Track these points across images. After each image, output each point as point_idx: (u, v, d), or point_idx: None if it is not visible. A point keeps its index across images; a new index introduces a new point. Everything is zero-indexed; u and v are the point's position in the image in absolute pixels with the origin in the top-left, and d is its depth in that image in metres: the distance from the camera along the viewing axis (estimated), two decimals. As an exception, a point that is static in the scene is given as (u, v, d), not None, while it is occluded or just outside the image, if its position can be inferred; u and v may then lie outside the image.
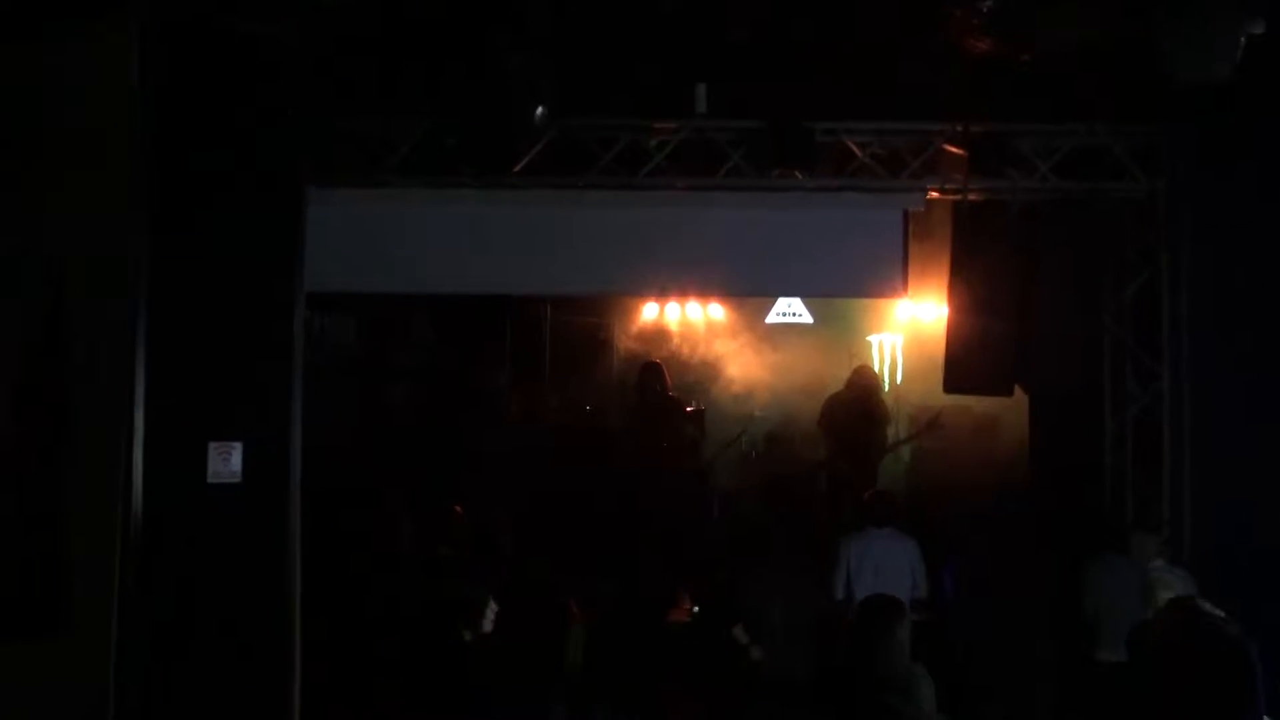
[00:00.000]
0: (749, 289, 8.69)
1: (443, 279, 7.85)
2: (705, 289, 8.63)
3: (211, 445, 5.93)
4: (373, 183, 7.74)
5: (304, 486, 6.13)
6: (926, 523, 8.20)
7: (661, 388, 10.14)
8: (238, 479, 5.97)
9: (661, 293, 9.24)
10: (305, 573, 6.09)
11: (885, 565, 7.44)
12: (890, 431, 10.69)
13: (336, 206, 7.56)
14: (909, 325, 11.89)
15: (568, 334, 11.83)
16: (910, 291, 8.26)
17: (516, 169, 7.69)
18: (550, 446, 10.24)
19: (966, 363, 8.12)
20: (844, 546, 7.60)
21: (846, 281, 8.21)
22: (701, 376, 11.67)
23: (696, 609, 8.33)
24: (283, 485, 6.02)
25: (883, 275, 7.98)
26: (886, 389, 11.56)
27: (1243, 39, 5.92)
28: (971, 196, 8.00)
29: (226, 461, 5.97)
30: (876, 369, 11.92)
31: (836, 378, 10.76)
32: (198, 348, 5.90)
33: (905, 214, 8.03)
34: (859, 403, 10.28)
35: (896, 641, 4.77)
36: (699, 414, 11.05)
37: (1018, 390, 8.31)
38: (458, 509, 8.09)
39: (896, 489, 9.79)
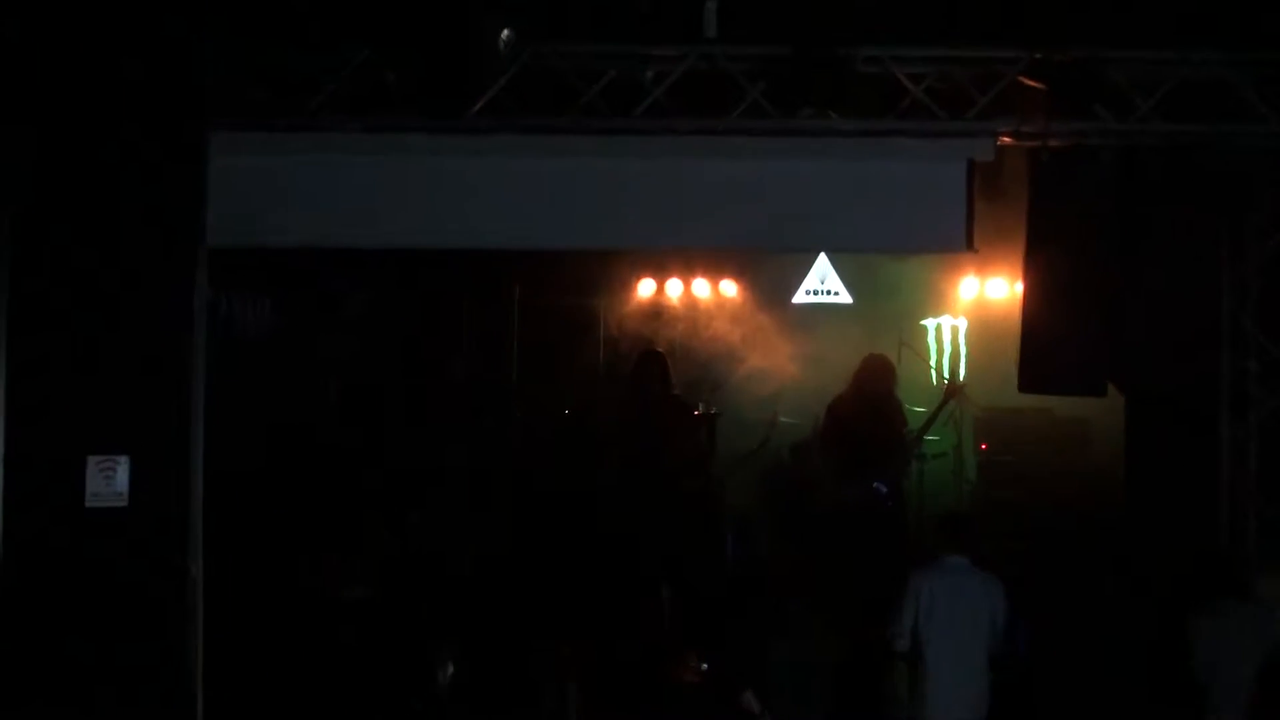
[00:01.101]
0: (768, 242, 8.67)
1: (380, 232, 7.83)
2: (711, 242, 8.60)
3: (91, 460, 5.97)
4: (293, 127, 7.73)
5: (209, 510, 6.17)
6: (993, 559, 8.19)
7: (662, 385, 10.15)
8: (123, 501, 6.00)
9: (656, 244, 9.21)
10: (211, 617, 6.13)
11: (961, 607, 7.44)
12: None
13: (247, 157, 7.54)
14: (975, 306, 11.89)
15: (542, 317, 11.83)
16: (978, 250, 8.25)
17: (475, 109, 7.67)
18: (520, 460, 10.28)
19: (1048, 355, 8.10)
20: (915, 580, 7.59)
21: (892, 234, 8.20)
22: (712, 371, 11.67)
23: (705, 666, 8.32)
24: (181, 509, 6.05)
25: (941, 227, 7.99)
26: (948, 378, 11.59)
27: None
28: (1053, 143, 7.96)
29: (109, 480, 6.01)
30: (933, 361, 11.96)
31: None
32: (72, 339, 5.92)
33: (970, 165, 8.00)
34: (868, 402, 10.20)
35: None
36: (709, 419, 11.05)
37: (1111, 390, 8.31)
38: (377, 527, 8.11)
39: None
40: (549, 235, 7.97)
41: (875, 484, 9.95)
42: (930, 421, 10.56)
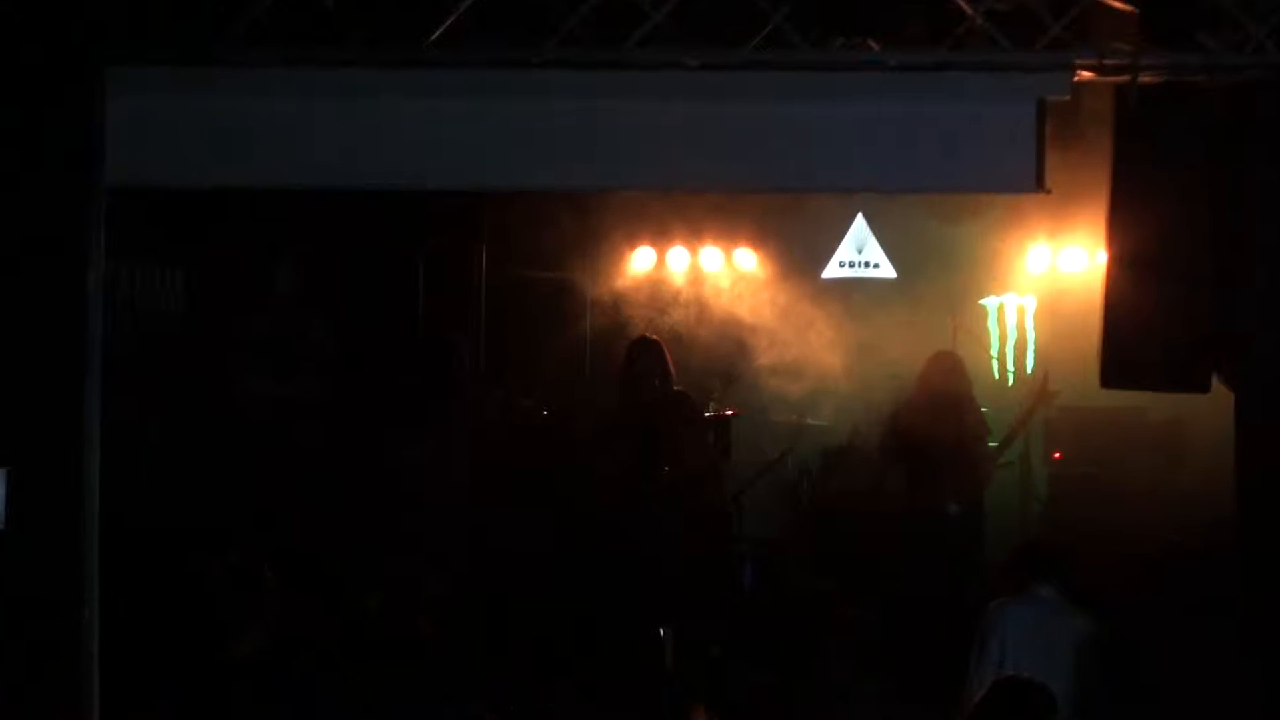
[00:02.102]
0: (796, 180, 8.70)
1: (312, 169, 7.87)
2: (725, 182, 8.63)
3: (-42, 474, 5.97)
4: (208, 59, 7.74)
5: (108, 532, 6.18)
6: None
7: (662, 380, 10.19)
8: (-1, 522, 6.01)
9: (664, 186, 9.22)
10: (108, 666, 6.14)
11: (1048, 649, 7.52)
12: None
13: (153, 96, 7.57)
14: (1045, 281, 11.97)
15: (514, 294, 11.86)
16: (1050, 192, 8.26)
17: (433, 37, 7.69)
18: (481, 474, 10.29)
19: (1137, 341, 8.09)
20: (994, 617, 7.69)
21: (941, 174, 8.23)
22: (724, 362, 11.75)
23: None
24: (72, 534, 6.05)
25: (1003, 165, 8.02)
26: (1012, 381, 11.63)
27: None
28: (1145, 78, 7.98)
29: (-19, 497, 6.01)
30: (995, 349, 12.01)
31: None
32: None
33: (1041, 105, 8.03)
34: (941, 408, 10.35)
35: None
36: (721, 421, 11.09)
37: (1216, 384, 8.34)
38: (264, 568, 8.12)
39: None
40: (522, 174, 8.03)
41: (947, 505, 10.02)
42: (1015, 433, 10.61)
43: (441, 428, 10.11)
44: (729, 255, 12.26)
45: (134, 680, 7.10)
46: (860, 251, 12.25)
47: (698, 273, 12.28)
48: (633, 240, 12.21)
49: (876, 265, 12.24)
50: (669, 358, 10.33)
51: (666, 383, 10.20)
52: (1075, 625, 7.72)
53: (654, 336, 10.70)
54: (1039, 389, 10.58)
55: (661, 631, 8.81)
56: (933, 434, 10.20)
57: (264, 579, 7.78)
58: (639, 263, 12.25)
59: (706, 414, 10.83)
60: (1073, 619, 7.74)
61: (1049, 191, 8.00)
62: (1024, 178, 7.94)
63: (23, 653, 5.99)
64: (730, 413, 11.24)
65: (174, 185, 7.82)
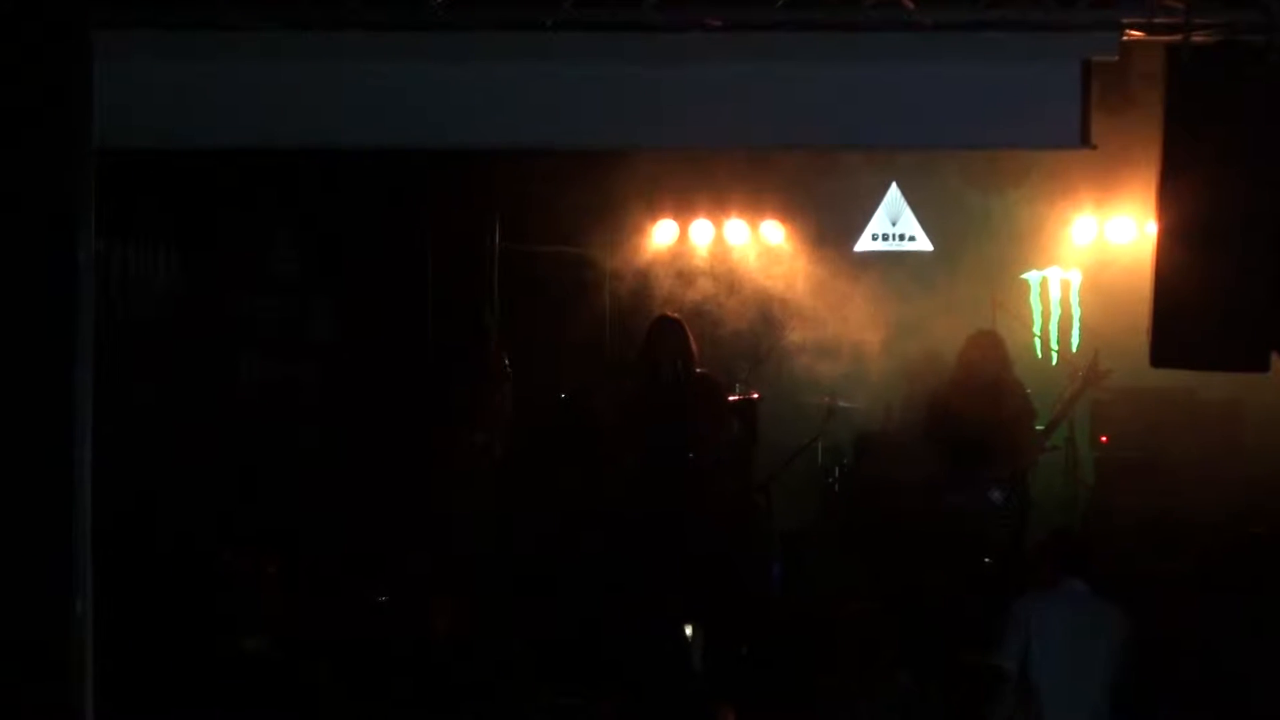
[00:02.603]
0: (829, 137, 8.65)
1: (311, 131, 7.86)
2: (752, 139, 8.61)
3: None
4: (196, 22, 7.70)
5: (102, 529, 6.16)
6: (1115, 589, 8.19)
7: (684, 361, 10.13)
8: (-14, 520, 6.00)
9: (684, 142, 9.18)
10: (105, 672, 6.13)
11: (1080, 644, 7.53)
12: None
13: (141, 60, 7.55)
14: (1092, 255, 11.88)
15: (529, 270, 11.81)
16: (1098, 163, 8.18)
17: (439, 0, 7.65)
18: (496, 465, 10.27)
19: (1190, 318, 8.02)
20: (1023, 611, 7.68)
21: (984, 129, 8.17)
22: (750, 341, 11.68)
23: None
24: (63, 528, 6.04)
25: (1048, 120, 7.96)
26: (1055, 360, 11.56)
27: None
28: (1198, 37, 7.92)
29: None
30: (1038, 327, 11.93)
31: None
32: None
33: (1085, 67, 7.97)
34: (982, 391, 10.28)
35: None
36: (748, 405, 11.01)
37: (1277, 363, 8.28)
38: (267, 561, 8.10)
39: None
40: (536, 134, 8.02)
41: (990, 492, 9.96)
42: (1062, 415, 10.54)
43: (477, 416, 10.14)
44: (755, 228, 12.18)
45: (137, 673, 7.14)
46: (895, 223, 12.18)
47: (722, 246, 12.20)
48: (654, 213, 12.14)
49: (912, 238, 12.16)
50: (691, 337, 10.28)
51: (688, 364, 10.15)
52: (1108, 619, 7.69)
53: (675, 315, 10.65)
54: (1088, 369, 10.48)
55: (688, 629, 8.79)
56: (973, 417, 10.15)
57: (266, 575, 7.79)
58: (661, 236, 12.17)
59: (732, 397, 10.77)
60: (1105, 612, 7.71)
61: (1094, 147, 7.94)
62: (1068, 133, 7.88)
63: (14, 647, 5.98)
64: (755, 396, 11.18)
65: (167, 147, 7.78)
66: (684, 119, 7.95)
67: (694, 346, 10.26)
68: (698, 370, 10.26)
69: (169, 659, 7.34)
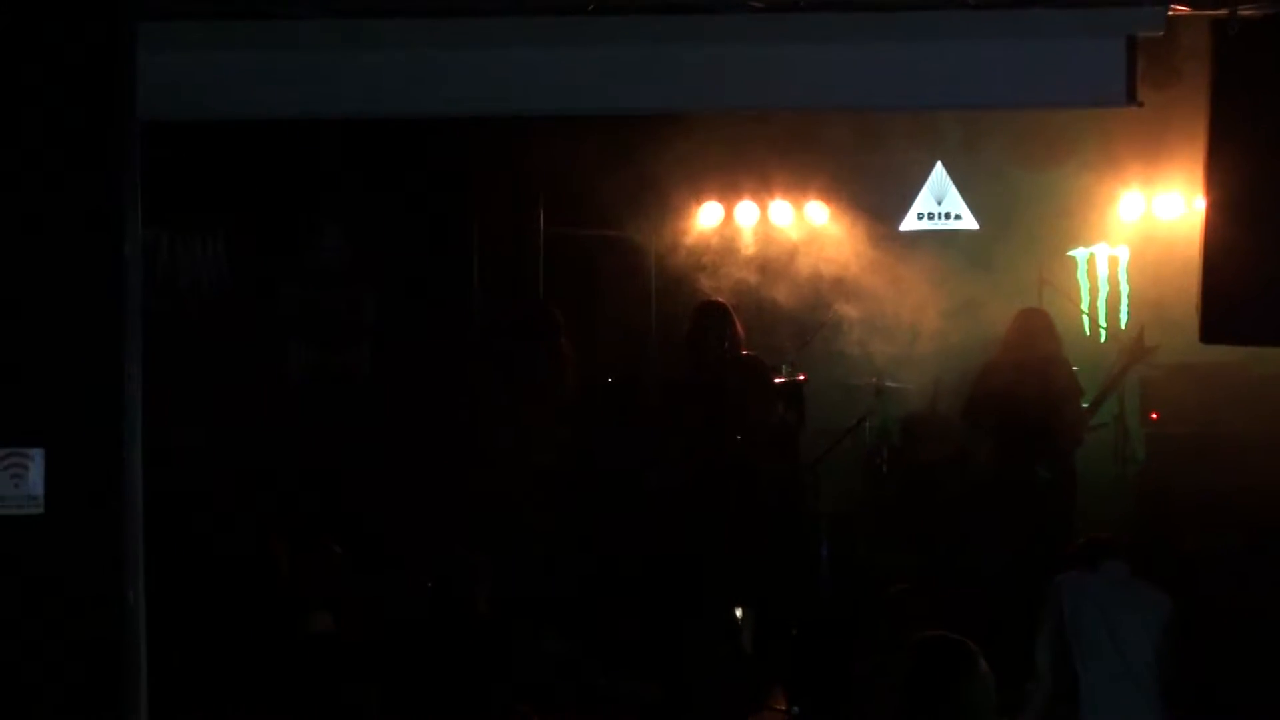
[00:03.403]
0: (867, 101, 8.64)
1: (358, 101, 7.88)
2: (798, 103, 8.60)
3: (-9, 454, 5.99)
4: (240, 11, 7.70)
5: (150, 519, 6.18)
6: (1163, 566, 8.20)
7: (730, 344, 10.11)
8: (38, 506, 6.02)
9: (729, 106, 9.16)
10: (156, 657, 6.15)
11: (1123, 627, 7.48)
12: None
13: (183, 52, 7.55)
14: (1140, 230, 11.82)
15: (574, 254, 11.82)
16: (1145, 139, 8.10)
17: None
18: (542, 448, 10.29)
19: (1240, 293, 7.96)
20: (1062, 591, 7.64)
21: (1029, 88, 8.13)
22: (795, 323, 11.67)
23: (796, 711, 8.38)
24: (114, 515, 6.05)
25: (1093, 78, 7.91)
26: (1105, 337, 11.51)
27: None
28: (1246, 11, 7.88)
29: (19, 480, 6.02)
30: (1087, 303, 11.88)
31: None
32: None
33: (1131, 43, 7.93)
34: (1028, 368, 10.23)
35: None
36: (795, 387, 11.01)
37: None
38: (330, 545, 8.14)
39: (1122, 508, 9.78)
40: (593, 100, 7.99)
41: (1038, 467, 9.94)
42: (1108, 391, 10.51)
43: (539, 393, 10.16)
44: (800, 208, 12.14)
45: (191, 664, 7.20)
46: (940, 202, 12.12)
47: (767, 227, 12.17)
48: (698, 195, 12.11)
49: (958, 216, 12.10)
50: (737, 321, 10.29)
51: (735, 347, 10.16)
52: (1149, 600, 7.63)
53: (720, 299, 10.65)
54: (1133, 345, 10.44)
55: (739, 611, 8.80)
56: (1019, 395, 10.12)
57: (333, 555, 7.84)
58: (705, 218, 12.14)
59: (779, 379, 10.75)
60: (1146, 594, 7.65)
61: (1141, 104, 7.88)
62: (1114, 91, 7.83)
63: (65, 639, 6.00)
64: (802, 378, 11.16)
65: (208, 117, 7.78)
66: (731, 87, 7.94)
67: (740, 329, 10.27)
68: (744, 352, 10.25)
69: (223, 648, 7.40)
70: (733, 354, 10.14)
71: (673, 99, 8.19)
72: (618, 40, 7.88)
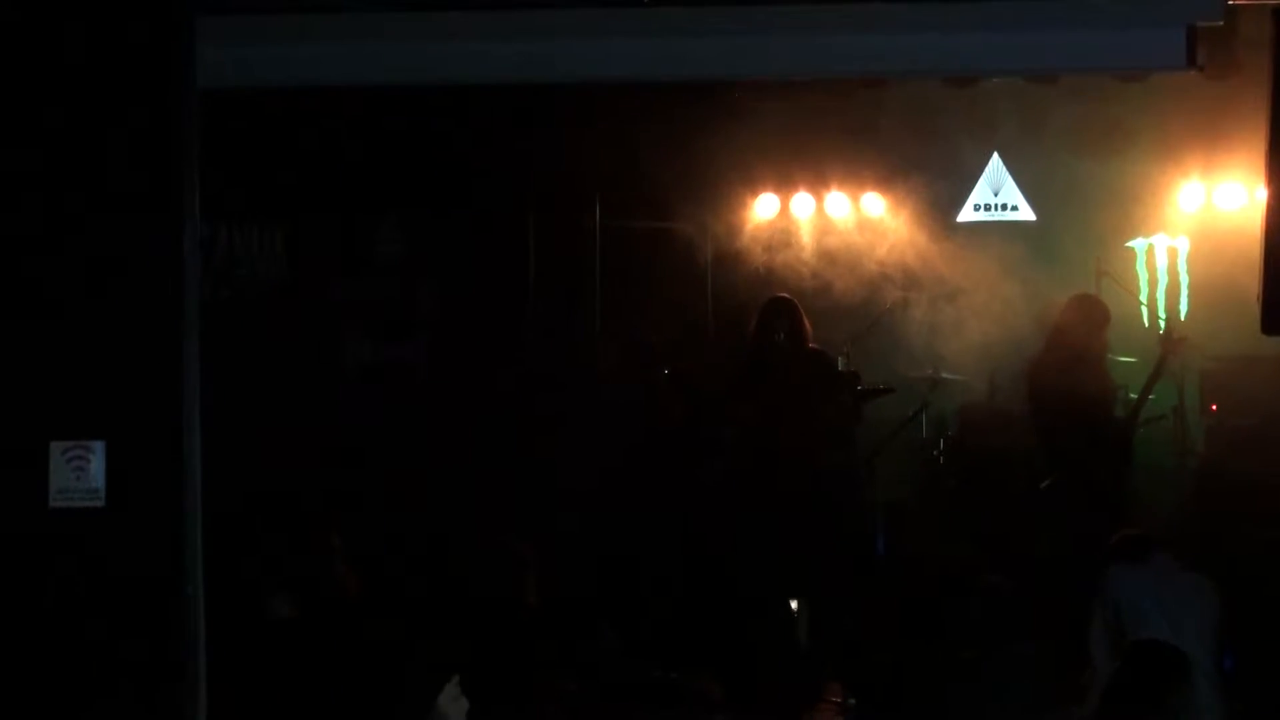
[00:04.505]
0: (923, 67, 8.56)
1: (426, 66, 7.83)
2: (852, 70, 8.54)
3: (54, 447, 5.98)
4: (303, 4, 7.68)
5: (210, 510, 6.17)
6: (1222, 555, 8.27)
7: (795, 339, 10.09)
8: (99, 500, 6.01)
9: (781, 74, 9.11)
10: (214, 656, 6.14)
11: (1180, 614, 7.50)
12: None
13: (244, 47, 7.54)
14: (1200, 221, 11.73)
15: (631, 247, 11.80)
16: (1204, 70, 7.98)
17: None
18: (599, 437, 10.27)
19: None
20: (1111, 582, 7.68)
21: (1085, 52, 8.04)
22: (850, 316, 11.63)
23: (853, 703, 8.37)
24: (174, 509, 6.03)
25: (1151, 40, 7.81)
26: (1164, 329, 11.42)
27: None
28: (1309, -1, 7.80)
29: (80, 473, 6.00)
30: (1144, 296, 11.78)
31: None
32: (23, 290, 5.93)
33: (1190, 34, 7.85)
34: (1079, 363, 10.14)
35: None
36: (853, 379, 10.95)
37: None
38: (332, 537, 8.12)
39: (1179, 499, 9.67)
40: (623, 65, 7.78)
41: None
42: (1148, 390, 10.42)
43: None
44: (856, 200, 12.12)
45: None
46: (997, 193, 12.08)
47: (823, 219, 12.14)
48: (754, 187, 12.08)
49: (1015, 207, 12.06)
50: (803, 316, 10.29)
51: (800, 342, 10.14)
52: (1198, 591, 7.66)
53: (786, 295, 10.63)
54: (1164, 337, 10.36)
55: (793, 604, 8.76)
56: (1064, 385, 10.01)
57: (330, 545, 7.81)
58: (762, 210, 12.12)
59: (844, 371, 10.75)
60: (1194, 585, 7.69)
61: (1202, 69, 7.79)
62: (1173, 52, 7.73)
63: (125, 633, 6.00)
64: (857, 372, 11.11)
65: (264, 84, 7.74)
66: (782, 53, 7.86)
67: (807, 325, 10.28)
68: (810, 346, 10.23)
69: (279, 641, 7.39)
70: (797, 348, 10.15)
71: (723, 66, 8.12)
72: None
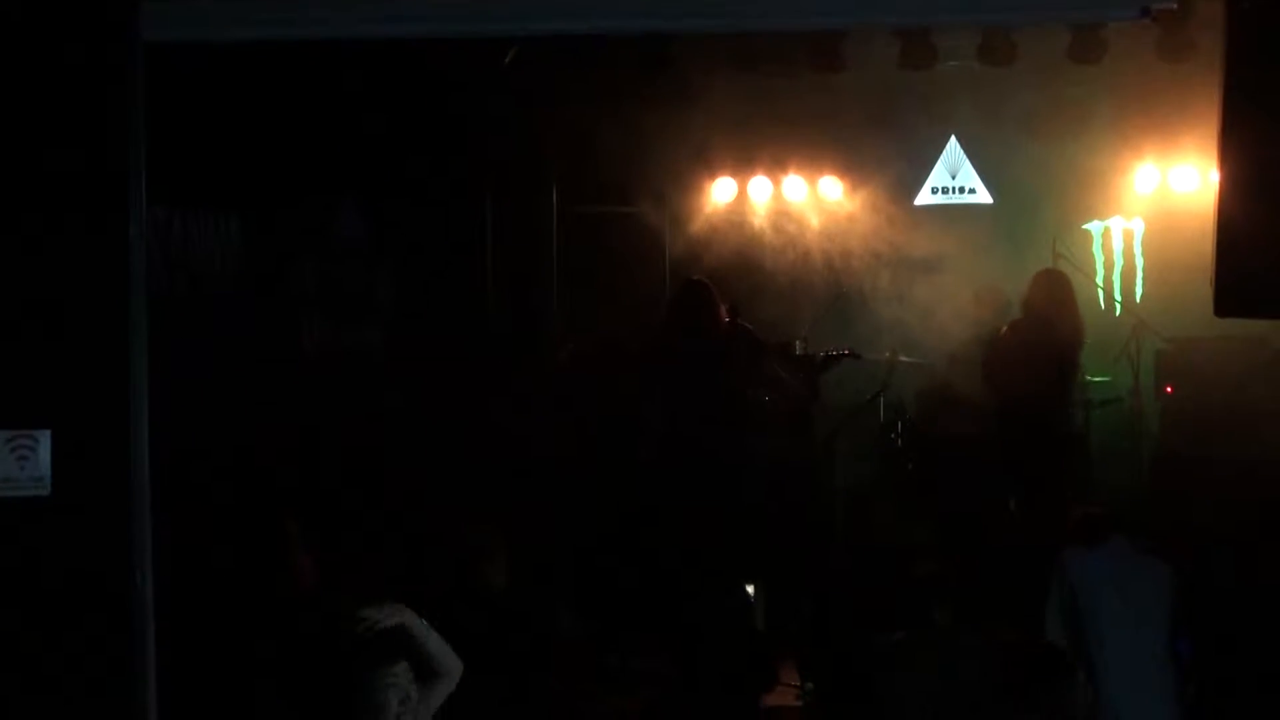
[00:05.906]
0: (873, 14, 8.51)
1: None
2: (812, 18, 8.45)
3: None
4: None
5: (159, 501, 6.11)
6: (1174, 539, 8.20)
7: (708, 321, 10.07)
8: (44, 489, 5.95)
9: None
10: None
11: (1135, 598, 7.48)
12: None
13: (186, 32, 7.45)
14: (1154, 204, 11.78)
15: (589, 232, 11.79)
16: (1159, 112, 7.93)
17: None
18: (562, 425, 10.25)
19: (1255, 266, 7.84)
20: (1067, 565, 7.64)
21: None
22: (808, 299, 11.68)
23: (810, 687, 8.34)
24: (121, 499, 5.98)
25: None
26: (1120, 310, 11.46)
27: None
28: (1262, -17, 7.79)
29: (25, 462, 5.95)
30: (1102, 277, 11.80)
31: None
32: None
33: (1146, 17, 7.84)
34: (1047, 340, 10.17)
35: None
36: (806, 361, 10.93)
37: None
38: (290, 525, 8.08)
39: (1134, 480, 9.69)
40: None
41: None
42: None
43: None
44: (814, 184, 12.13)
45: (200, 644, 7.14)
46: (954, 176, 12.10)
47: (781, 203, 12.13)
48: (712, 171, 12.08)
49: (972, 190, 12.10)
50: (716, 297, 10.25)
51: (714, 323, 10.12)
52: (1154, 574, 7.64)
53: (700, 278, 10.57)
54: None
55: (750, 588, 8.73)
56: (1033, 357, 10.09)
57: (286, 533, 7.75)
58: (719, 194, 12.13)
59: (797, 353, 10.73)
60: (1151, 568, 7.66)
61: (1154, 18, 7.77)
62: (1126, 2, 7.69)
63: (71, 627, 5.94)
64: (832, 352, 11.09)
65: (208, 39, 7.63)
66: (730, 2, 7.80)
67: (720, 306, 10.23)
68: (732, 321, 10.23)
69: (235, 628, 7.33)
70: (711, 330, 10.11)
71: (707, 15, 8.03)
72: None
